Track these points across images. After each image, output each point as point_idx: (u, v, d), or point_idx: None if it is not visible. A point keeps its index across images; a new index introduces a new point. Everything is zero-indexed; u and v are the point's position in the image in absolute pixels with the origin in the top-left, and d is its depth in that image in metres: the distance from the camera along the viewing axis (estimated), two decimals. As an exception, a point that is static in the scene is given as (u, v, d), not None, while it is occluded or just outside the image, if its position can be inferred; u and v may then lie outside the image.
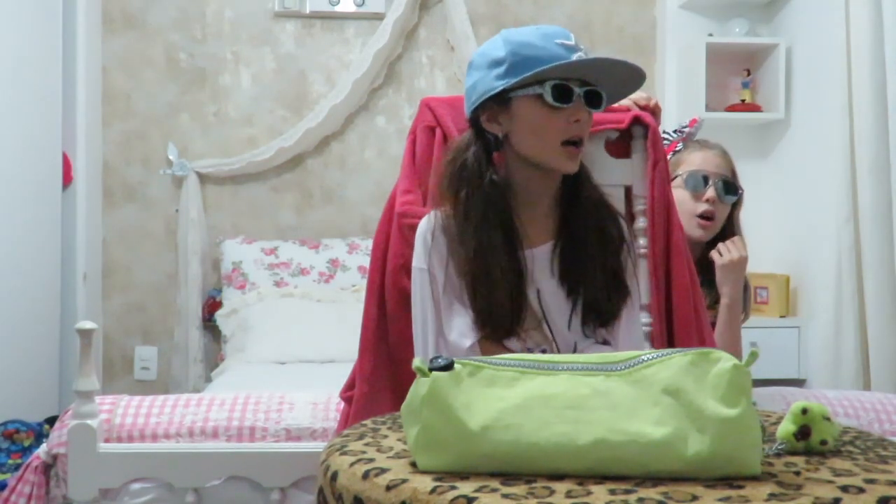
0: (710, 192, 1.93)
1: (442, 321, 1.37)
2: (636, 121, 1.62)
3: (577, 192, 1.42)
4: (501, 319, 1.34)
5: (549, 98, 1.33)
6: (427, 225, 1.41)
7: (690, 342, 1.56)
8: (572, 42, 1.34)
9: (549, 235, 1.41)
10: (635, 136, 1.64)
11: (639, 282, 1.50)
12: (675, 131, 2.12)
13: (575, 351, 1.38)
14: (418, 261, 1.40)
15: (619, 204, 1.58)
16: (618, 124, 1.62)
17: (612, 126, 1.62)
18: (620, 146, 1.65)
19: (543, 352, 1.37)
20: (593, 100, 1.37)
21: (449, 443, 0.89)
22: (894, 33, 2.76)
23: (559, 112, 1.34)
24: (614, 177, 1.61)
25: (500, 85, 1.34)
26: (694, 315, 1.59)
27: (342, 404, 1.64)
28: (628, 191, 1.63)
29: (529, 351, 1.36)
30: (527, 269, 1.37)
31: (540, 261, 1.39)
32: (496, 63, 1.35)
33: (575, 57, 1.32)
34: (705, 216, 1.94)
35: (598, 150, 1.62)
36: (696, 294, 1.62)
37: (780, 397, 1.79)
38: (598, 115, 1.53)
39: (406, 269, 1.47)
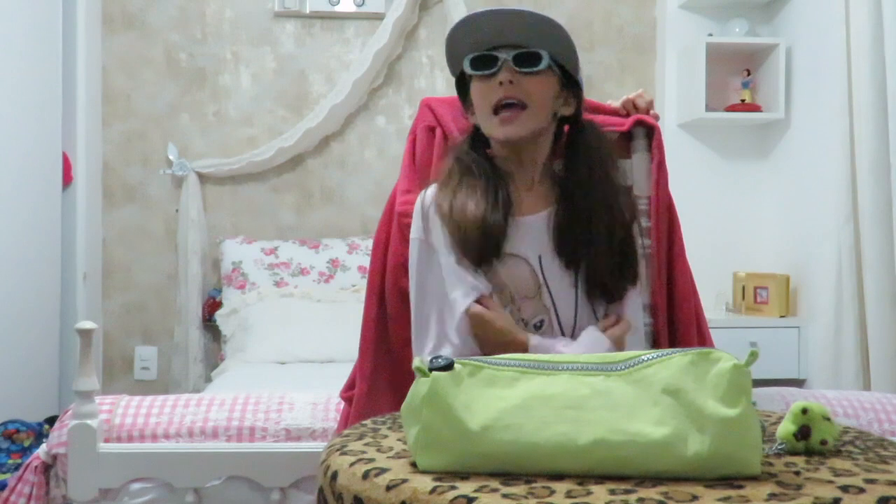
0: None
1: (444, 288, 1.38)
2: (638, 122, 1.62)
3: (575, 165, 1.43)
4: (473, 242, 1.35)
5: (469, 70, 1.39)
6: (422, 197, 1.45)
7: (692, 342, 1.56)
8: (489, 11, 1.36)
9: (545, 205, 1.42)
10: (636, 136, 1.64)
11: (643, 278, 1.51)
12: None
13: (575, 324, 1.38)
14: (415, 231, 1.43)
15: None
16: (619, 127, 1.63)
17: (614, 128, 1.62)
18: (619, 147, 1.65)
19: (541, 322, 1.37)
20: (529, 60, 1.37)
21: (449, 443, 0.89)
22: (894, 33, 2.75)
23: (486, 81, 1.38)
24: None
25: (450, 66, 1.44)
26: (695, 315, 1.59)
27: (342, 404, 1.64)
28: (628, 191, 1.63)
29: (525, 323, 1.37)
30: (511, 233, 1.37)
31: (535, 229, 1.40)
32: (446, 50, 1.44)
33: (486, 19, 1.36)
34: None
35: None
36: (696, 294, 1.62)
37: (780, 397, 1.79)
38: (600, 118, 1.55)
39: (406, 268, 1.47)
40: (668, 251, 1.60)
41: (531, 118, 1.39)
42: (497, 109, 1.38)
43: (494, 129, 1.40)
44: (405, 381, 1.12)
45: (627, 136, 1.64)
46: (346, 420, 1.57)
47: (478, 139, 1.46)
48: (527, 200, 1.42)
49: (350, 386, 1.61)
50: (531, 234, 1.39)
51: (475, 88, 1.41)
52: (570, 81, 1.45)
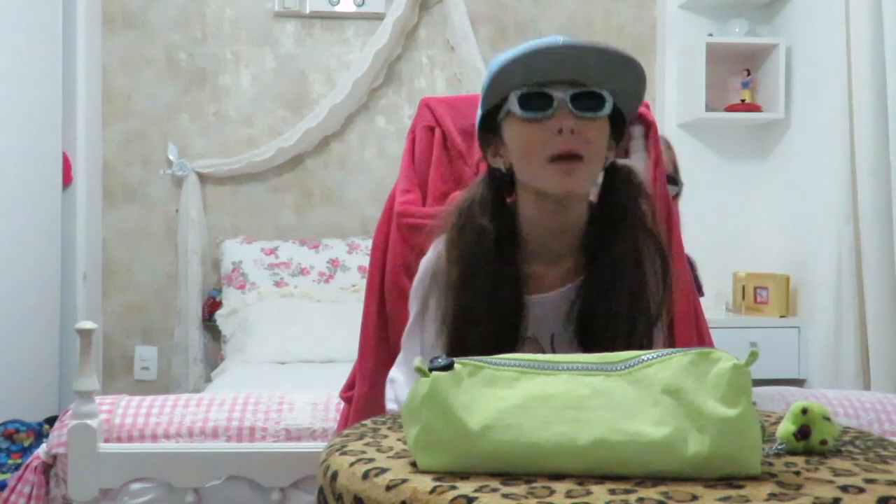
0: None
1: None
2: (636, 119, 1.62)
3: (611, 226, 1.22)
4: (483, 330, 1.19)
5: (516, 110, 1.16)
6: (427, 264, 1.31)
7: (691, 341, 1.55)
8: (558, 42, 1.14)
9: (567, 280, 1.24)
10: (635, 136, 1.63)
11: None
12: None
13: None
14: (413, 301, 1.33)
15: None
16: None
17: None
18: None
19: None
20: (589, 103, 1.16)
21: (449, 443, 0.89)
22: (894, 33, 2.75)
23: (538, 124, 1.16)
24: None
25: (479, 114, 1.23)
26: (693, 313, 1.59)
27: (342, 404, 1.64)
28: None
29: None
30: (527, 317, 1.21)
31: (552, 307, 1.23)
32: (484, 88, 1.22)
33: (540, 56, 1.14)
34: None
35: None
36: (694, 292, 1.61)
37: (780, 397, 1.79)
38: None
39: (406, 268, 1.47)
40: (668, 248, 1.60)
41: (589, 171, 1.19)
42: (554, 158, 1.16)
43: (549, 180, 1.17)
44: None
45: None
46: (346, 420, 1.57)
47: (495, 195, 1.25)
48: (549, 275, 1.24)
49: (350, 386, 1.61)
50: (547, 313, 1.23)
51: (519, 129, 1.18)
52: (618, 124, 1.24)
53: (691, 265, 1.96)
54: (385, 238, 1.56)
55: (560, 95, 1.15)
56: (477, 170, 1.56)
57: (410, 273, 1.47)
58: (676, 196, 2.02)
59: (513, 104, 1.17)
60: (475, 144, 1.59)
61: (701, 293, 2.01)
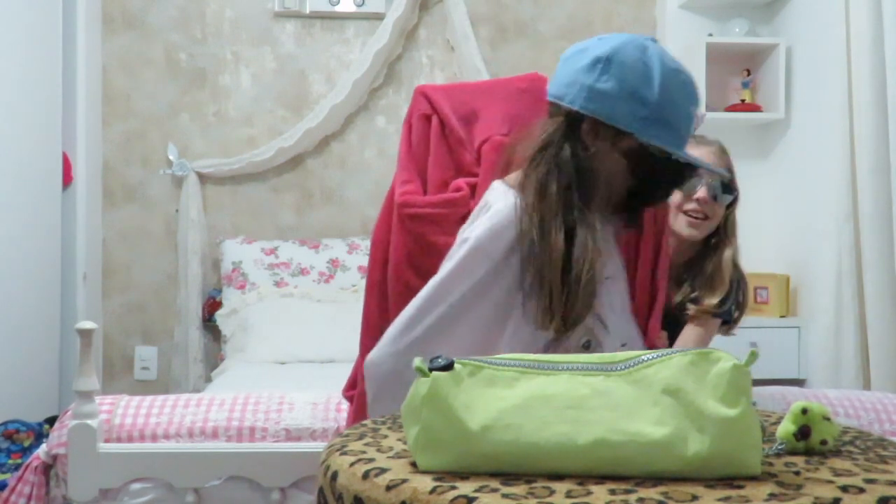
0: (702, 192, 1.87)
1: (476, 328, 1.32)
2: None
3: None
4: (575, 318, 1.28)
5: (682, 155, 1.32)
6: (511, 210, 1.34)
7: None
8: (699, 111, 1.35)
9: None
10: None
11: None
12: None
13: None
14: (492, 244, 1.33)
15: None
16: None
17: None
18: None
19: (588, 343, 1.34)
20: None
21: (449, 443, 0.89)
22: (894, 33, 2.75)
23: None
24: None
25: (634, 129, 1.28)
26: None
27: (343, 404, 1.64)
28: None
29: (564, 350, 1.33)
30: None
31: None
32: (642, 102, 1.27)
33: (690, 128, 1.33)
34: (693, 215, 1.88)
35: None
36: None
37: (780, 397, 1.79)
38: None
39: (409, 260, 1.46)
40: (654, 254, 1.60)
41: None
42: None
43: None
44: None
45: None
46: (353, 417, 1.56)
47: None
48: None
49: (352, 385, 1.60)
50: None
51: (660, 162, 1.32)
52: None
53: (741, 284, 1.93)
54: (386, 232, 1.54)
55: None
56: (478, 155, 1.55)
57: (414, 265, 1.46)
58: (732, 203, 1.98)
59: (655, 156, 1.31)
60: (474, 129, 1.57)
61: (740, 314, 1.95)
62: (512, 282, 1.32)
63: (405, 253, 1.47)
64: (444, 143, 1.58)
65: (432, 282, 1.34)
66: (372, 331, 1.54)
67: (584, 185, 1.31)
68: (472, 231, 1.35)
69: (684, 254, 1.92)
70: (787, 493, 0.80)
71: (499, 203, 1.36)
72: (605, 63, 1.27)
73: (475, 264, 1.32)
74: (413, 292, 1.38)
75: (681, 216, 1.88)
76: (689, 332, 1.86)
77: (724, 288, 1.87)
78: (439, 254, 1.40)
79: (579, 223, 1.29)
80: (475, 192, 1.51)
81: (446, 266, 1.34)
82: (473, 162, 1.54)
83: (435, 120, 1.58)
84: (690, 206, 1.89)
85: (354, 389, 1.57)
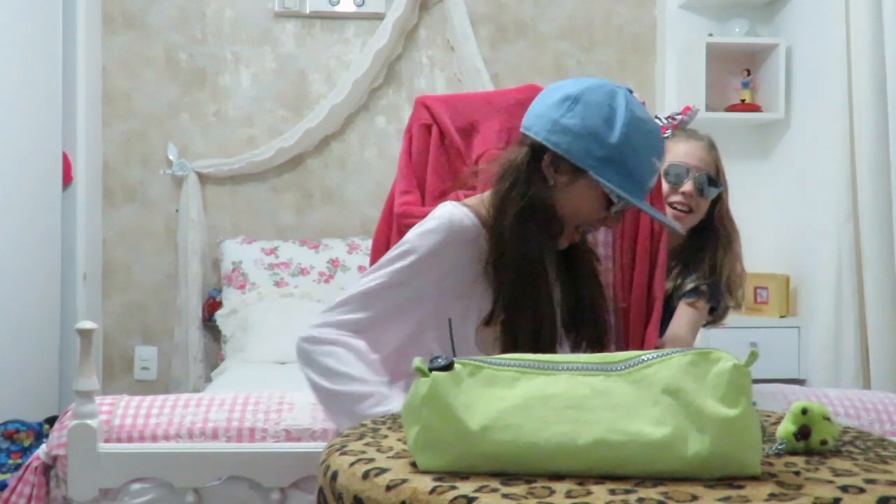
0: (688, 186, 1.91)
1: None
2: None
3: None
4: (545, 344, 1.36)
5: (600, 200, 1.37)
6: (461, 219, 1.40)
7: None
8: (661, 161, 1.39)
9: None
10: None
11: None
12: (667, 117, 2.11)
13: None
14: (431, 245, 1.38)
15: None
16: None
17: None
18: None
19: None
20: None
21: (449, 443, 0.89)
22: (894, 33, 2.75)
23: (606, 209, 1.38)
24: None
25: (588, 166, 1.33)
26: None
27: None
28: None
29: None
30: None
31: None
32: (600, 142, 1.32)
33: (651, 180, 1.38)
34: (678, 207, 1.92)
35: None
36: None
37: (780, 396, 1.78)
38: None
39: None
40: (632, 247, 1.62)
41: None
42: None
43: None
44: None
45: None
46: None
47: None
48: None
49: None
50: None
51: (592, 203, 1.39)
52: None
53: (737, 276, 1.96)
54: (385, 239, 1.57)
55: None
56: (475, 169, 1.56)
57: None
58: (719, 198, 2.00)
59: (612, 194, 1.35)
60: (473, 142, 1.59)
61: (717, 311, 1.97)
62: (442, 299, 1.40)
63: None
64: (443, 154, 1.61)
65: (365, 284, 1.44)
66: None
67: (539, 212, 1.37)
68: (414, 242, 1.39)
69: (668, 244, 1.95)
70: (787, 493, 0.80)
71: (443, 220, 1.39)
72: (572, 101, 1.33)
73: (410, 276, 1.39)
74: None
75: (666, 208, 1.91)
76: (680, 314, 1.89)
77: (711, 276, 1.93)
78: None
79: (533, 249, 1.37)
80: None
81: (382, 271, 1.41)
82: (471, 174, 1.56)
83: (435, 130, 1.61)
84: (676, 198, 1.93)
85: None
